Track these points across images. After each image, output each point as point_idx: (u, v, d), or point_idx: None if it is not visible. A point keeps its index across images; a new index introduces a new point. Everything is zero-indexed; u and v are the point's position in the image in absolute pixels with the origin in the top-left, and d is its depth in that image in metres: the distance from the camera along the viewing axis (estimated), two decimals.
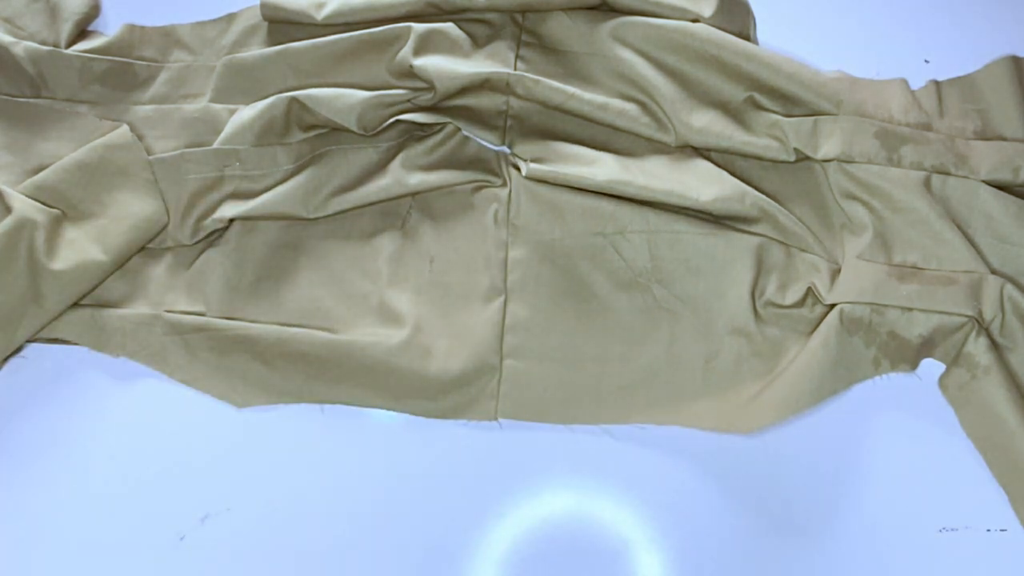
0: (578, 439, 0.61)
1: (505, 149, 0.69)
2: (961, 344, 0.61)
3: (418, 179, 0.66)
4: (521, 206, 0.66)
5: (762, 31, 0.73)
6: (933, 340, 0.61)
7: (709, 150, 0.68)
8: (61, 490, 0.59)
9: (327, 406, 0.62)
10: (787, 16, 0.75)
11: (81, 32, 0.73)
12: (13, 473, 0.60)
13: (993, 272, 0.62)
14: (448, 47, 0.69)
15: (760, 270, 0.64)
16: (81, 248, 0.62)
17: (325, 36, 0.69)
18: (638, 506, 0.59)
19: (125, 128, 0.68)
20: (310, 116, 0.66)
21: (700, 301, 0.64)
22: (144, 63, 0.72)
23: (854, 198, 0.65)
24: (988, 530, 0.58)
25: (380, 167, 0.67)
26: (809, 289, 0.63)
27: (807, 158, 0.67)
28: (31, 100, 0.70)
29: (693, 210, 0.65)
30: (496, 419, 0.61)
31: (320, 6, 0.71)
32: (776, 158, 0.67)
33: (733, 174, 0.66)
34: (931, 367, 0.62)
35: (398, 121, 0.68)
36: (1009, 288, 0.61)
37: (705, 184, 0.65)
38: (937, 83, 0.70)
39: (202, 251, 0.66)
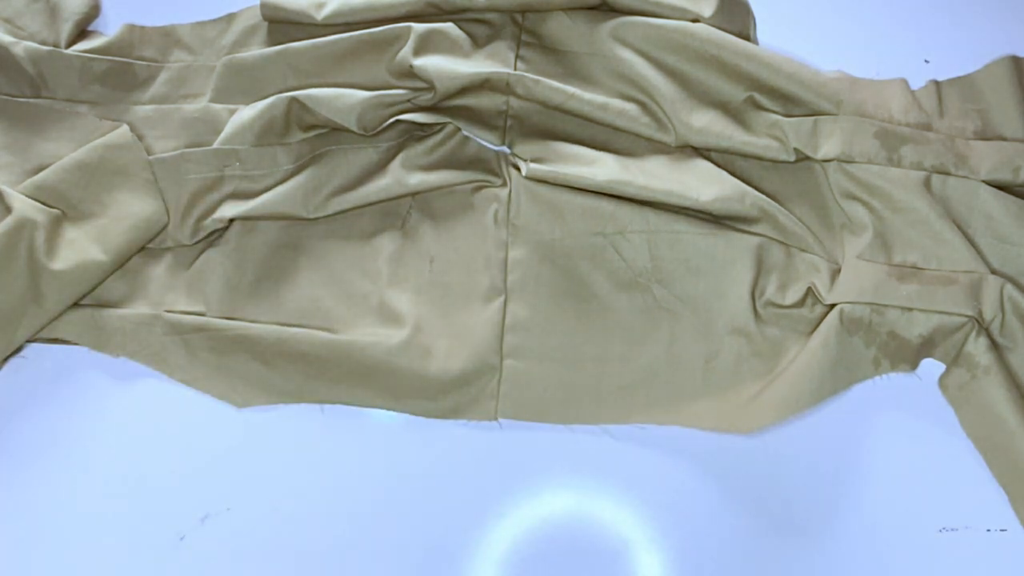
0: (578, 439, 0.61)
1: (505, 149, 0.69)
2: (961, 344, 0.61)
3: (418, 179, 0.66)
4: (521, 206, 0.66)
5: (762, 31, 0.73)
6: (933, 340, 0.61)
7: (709, 150, 0.68)
8: (61, 490, 0.59)
9: (327, 406, 0.62)
10: (787, 16, 0.75)
11: (81, 32, 0.73)
12: (13, 473, 0.60)
13: (993, 272, 0.62)
14: (448, 47, 0.69)
15: (760, 270, 0.64)
16: (81, 248, 0.62)
17: (325, 36, 0.69)
18: (638, 506, 0.59)
19: (125, 128, 0.68)
20: (310, 116, 0.66)
21: (700, 301, 0.64)
22: (144, 63, 0.72)
23: (854, 198, 0.65)
24: (988, 530, 0.58)
25: (380, 167, 0.67)
26: (809, 289, 0.63)
27: (807, 158, 0.67)
28: (31, 100, 0.70)
29: (693, 210, 0.65)
30: (496, 419, 0.61)
31: (320, 6, 0.71)
32: (776, 158, 0.67)
33: (733, 174, 0.66)
34: (931, 367, 0.62)
35: (398, 121, 0.68)
36: (1009, 288, 0.61)
37: (705, 184, 0.65)
38: (937, 83, 0.70)
39: (202, 251, 0.66)
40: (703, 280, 0.64)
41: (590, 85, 0.70)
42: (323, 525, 0.59)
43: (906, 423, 0.61)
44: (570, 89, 0.67)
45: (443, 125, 0.68)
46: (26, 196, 0.63)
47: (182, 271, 0.65)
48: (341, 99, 0.65)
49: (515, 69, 0.69)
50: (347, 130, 0.66)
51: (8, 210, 0.61)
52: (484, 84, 0.67)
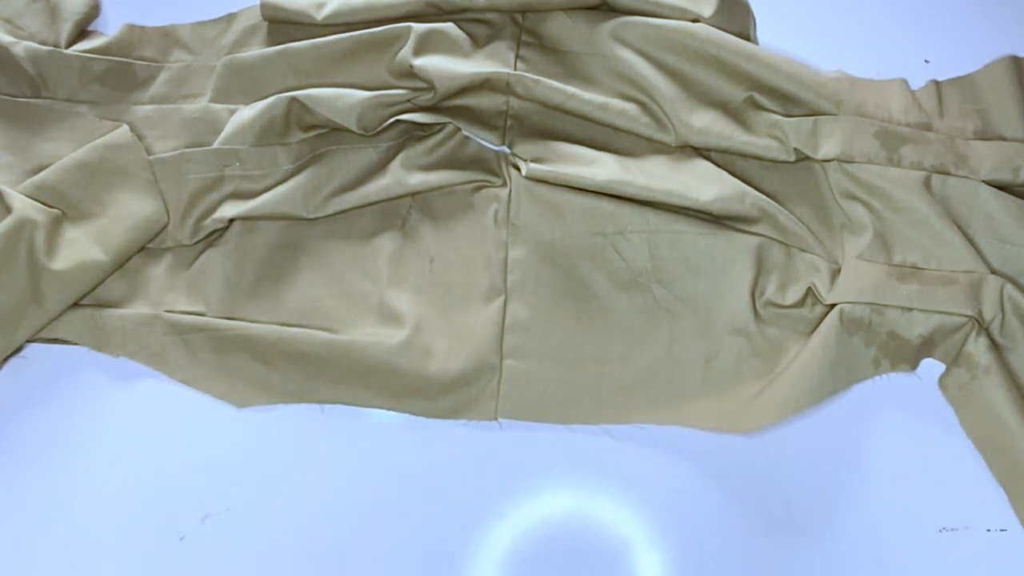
0: (578, 439, 0.61)
1: (505, 149, 0.69)
2: (961, 344, 0.61)
3: (418, 179, 0.66)
4: (521, 206, 0.66)
5: (762, 31, 0.73)
6: (933, 340, 0.61)
7: (709, 150, 0.68)
8: (61, 490, 0.59)
9: (327, 406, 0.62)
10: (787, 16, 0.75)
11: (81, 32, 0.73)
12: (13, 473, 0.60)
13: (993, 272, 0.62)
14: (448, 47, 0.69)
15: (760, 270, 0.64)
16: (81, 248, 0.62)
17: (325, 36, 0.69)
18: (638, 506, 0.59)
19: (125, 128, 0.68)
20: (310, 116, 0.66)
21: (700, 301, 0.64)
22: (144, 63, 0.72)
23: (854, 198, 0.65)
24: (988, 530, 0.58)
25: (380, 167, 0.67)
26: (809, 289, 0.63)
27: (807, 158, 0.67)
28: (31, 100, 0.70)
29: (693, 210, 0.65)
30: (496, 419, 0.61)
31: (320, 6, 0.71)
32: (776, 158, 0.67)
33: (733, 174, 0.66)
34: (931, 367, 0.62)
35: (398, 121, 0.68)
36: (1009, 288, 0.61)
37: (705, 184, 0.64)
38: (937, 83, 0.70)
39: (202, 251, 0.66)
40: (703, 280, 0.64)
41: (590, 85, 0.70)
42: (323, 525, 0.59)
43: (906, 423, 0.61)
44: (570, 89, 0.67)
45: (443, 125, 0.68)
46: (26, 196, 0.63)
47: (182, 271, 0.65)
48: (341, 99, 0.65)
49: (515, 69, 0.69)
50: (347, 130, 0.66)
51: (8, 210, 0.61)
52: (484, 84, 0.67)
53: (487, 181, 0.67)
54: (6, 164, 0.67)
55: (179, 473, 0.60)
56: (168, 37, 0.74)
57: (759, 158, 0.67)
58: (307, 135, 0.68)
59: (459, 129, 0.68)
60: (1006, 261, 0.64)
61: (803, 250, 0.65)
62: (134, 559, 0.57)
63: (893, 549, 0.58)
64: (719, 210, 0.64)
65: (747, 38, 0.71)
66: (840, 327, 0.60)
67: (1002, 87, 0.69)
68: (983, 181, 0.64)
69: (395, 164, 0.67)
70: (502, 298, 0.64)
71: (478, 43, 0.70)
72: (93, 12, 0.74)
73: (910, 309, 0.61)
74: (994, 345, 0.60)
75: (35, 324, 0.61)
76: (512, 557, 0.58)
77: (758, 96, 0.68)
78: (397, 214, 0.67)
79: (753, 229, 0.65)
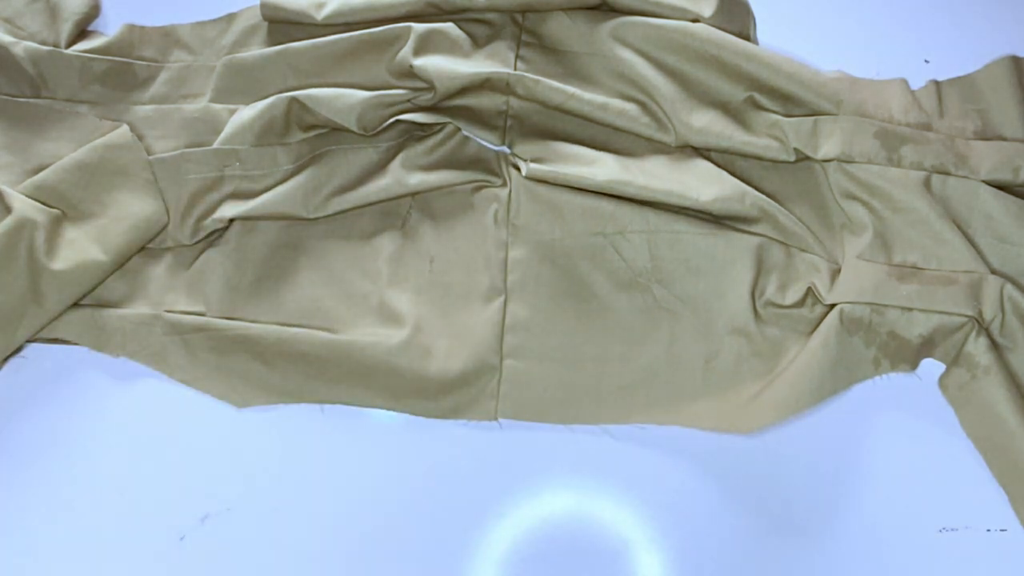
0: (578, 439, 0.61)
1: (505, 149, 0.69)
2: (961, 344, 0.61)
3: (418, 179, 0.66)
4: (521, 206, 0.66)
5: (762, 31, 0.73)
6: (933, 340, 0.61)
7: (709, 150, 0.68)
8: (61, 490, 0.59)
9: (327, 406, 0.62)
10: (787, 16, 0.75)
11: (81, 32, 0.73)
12: (13, 473, 0.60)
13: (993, 272, 0.62)
14: (448, 47, 0.69)
15: (760, 270, 0.64)
16: (81, 248, 0.62)
17: (325, 36, 0.69)
18: (638, 506, 0.59)
19: (125, 128, 0.68)
20: (310, 116, 0.66)
21: (700, 301, 0.64)
22: (144, 63, 0.72)
23: (854, 198, 0.65)
24: (988, 530, 0.58)
25: (380, 167, 0.67)
26: (809, 289, 0.63)
27: (807, 158, 0.67)
28: (31, 100, 0.70)
29: (693, 210, 0.65)
30: (496, 419, 0.61)
31: (320, 6, 0.71)
32: (776, 158, 0.67)
33: (733, 174, 0.66)
34: (931, 367, 0.62)
35: (398, 121, 0.68)
36: (1009, 288, 0.61)
37: (705, 184, 0.64)
38: (937, 83, 0.70)
39: (202, 251, 0.66)
40: (703, 280, 0.64)
41: (590, 85, 0.70)
42: (323, 525, 0.59)
43: (906, 423, 0.61)
44: (570, 89, 0.67)
45: (443, 125, 0.68)
46: (26, 196, 0.63)
47: (182, 271, 0.65)
48: (341, 99, 0.65)
49: (515, 69, 0.69)
50: (347, 130, 0.66)
51: (8, 210, 0.61)
52: (484, 84, 0.67)
53: (487, 181, 0.67)
54: (6, 164, 0.67)
55: (179, 473, 0.60)
56: (168, 37, 0.74)
57: (759, 158, 0.67)
58: (307, 135, 0.68)
59: (459, 129, 0.68)
60: (1006, 261, 0.64)
61: (803, 250, 0.65)
62: (134, 559, 0.57)
63: (893, 549, 0.58)
64: (719, 210, 0.64)
65: (747, 38, 0.71)
66: (840, 327, 0.60)
67: (1002, 87, 0.69)
68: (983, 181, 0.64)
69: (395, 164, 0.67)
70: (502, 298, 0.64)
71: (478, 43, 0.70)
72: (93, 12, 0.74)
73: (910, 309, 0.61)
74: (994, 345, 0.60)
75: (35, 324, 0.61)
76: (512, 557, 0.58)
77: (758, 96, 0.68)
78: (397, 214, 0.67)
79: (753, 229, 0.65)
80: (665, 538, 0.58)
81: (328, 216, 0.66)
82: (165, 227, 0.66)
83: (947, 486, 0.60)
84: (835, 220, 0.66)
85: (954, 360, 0.61)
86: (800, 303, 0.63)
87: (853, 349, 0.61)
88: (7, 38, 0.69)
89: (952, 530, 0.58)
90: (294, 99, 0.66)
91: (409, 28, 0.68)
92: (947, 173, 0.65)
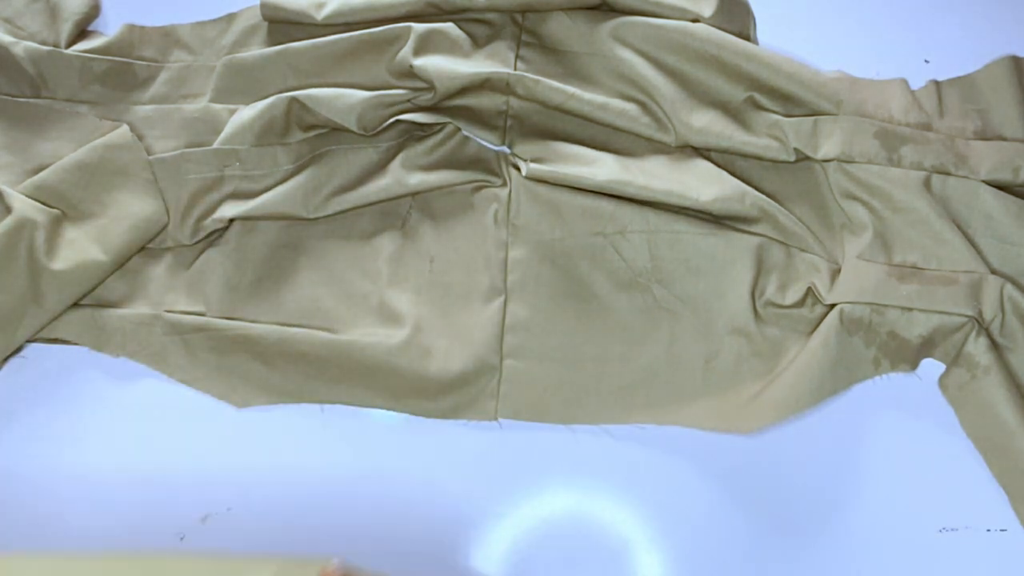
0: (578, 439, 0.61)
1: (505, 149, 0.69)
2: (961, 344, 0.61)
3: (418, 179, 0.66)
4: (521, 206, 0.66)
5: (762, 31, 0.73)
6: (933, 340, 0.61)
7: (709, 150, 0.68)
8: (61, 490, 0.59)
9: (327, 406, 0.62)
10: (787, 16, 0.75)
11: (81, 32, 0.73)
12: (13, 473, 0.60)
13: (993, 272, 0.62)
14: (448, 47, 0.69)
15: (760, 270, 0.64)
16: (81, 248, 0.62)
17: (325, 36, 0.69)
18: (638, 506, 0.59)
19: (125, 128, 0.68)
20: (310, 116, 0.66)
21: (700, 301, 0.64)
22: (144, 63, 0.72)
23: (854, 198, 0.65)
24: (988, 530, 0.58)
25: (380, 167, 0.67)
26: (809, 289, 0.63)
27: (807, 158, 0.67)
28: (31, 100, 0.70)
29: (693, 210, 0.65)
30: (496, 419, 0.61)
31: (320, 6, 0.71)
32: (776, 158, 0.67)
33: (733, 174, 0.66)
34: (931, 367, 0.62)
35: (398, 121, 0.67)
36: (1009, 288, 0.61)
37: (705, 184, 0.64)
38: (937, 83, 0.70)
39: (202, 251, 0.66)
40: (703, 280, 0.64)
41: (590, 85, 0.70)
42: (323, 525, 0.59)
43: (906, 423, 0.61)
44: (570, 89, 0.67)
45: (443, 125, 0.68)
46: (26, 196, 0.63)
47: (182, 271, 0.65)
48: (341, 99, 0.65)
49: (515, 69, 0.69)
50: (347, 130, 0.66)
51: (8, 210, 0.61)
52: (484, 84, 0.67)
53: (487, 181, 0.67)
54: (6, 164, 0.67)
55: (179, 473, 0.60)
56: (168, 37, 0.73)
57: (759, 158, 0.67)
58: (307, 135, 0.68)
59: (459, 129, 0.68)
60: (1006, 261, 0.64)
61: (803, 250, 0.65)
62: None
63: (893, 549, 0.58)
64: (719, 210, 0.64)
65: (747, 38, 0.71)
66: (840, 327, 0.60)
67: (1002, 87, 0.69)
68: (983, 181, 0.64)
69: (395, 164, 0.67)
70: (502, 298, 0.64)
71: (478, 43, 0.70)
72: (93, 12, 0.74)
73: (910, 309, 0.61)
74: (994, 345, 0.60)
75: (35, 324, 0.61)
76: (512, 557, 0.58)
77: (758, 96, 0.68)
78: (397, 214, 0.67)
79: (753, 229, 0.65)
80: (665, 538, 0.58)
81: (328, 216, 0.66)
82: (165, 227, 0.65)
83: (947, 486, 0.60)
84: (835, 220, 0.66)
85: (954, 360, 0.61)
86: (800, 303, 0.63)
87: (853, 349, 0.61)
88: (7, 38, 0.69)
89: (952, 530, 0.58)
90: (294, 99, 0.66)
91: (409, 28, 0.68)
92: (947, 173, 0.65)
